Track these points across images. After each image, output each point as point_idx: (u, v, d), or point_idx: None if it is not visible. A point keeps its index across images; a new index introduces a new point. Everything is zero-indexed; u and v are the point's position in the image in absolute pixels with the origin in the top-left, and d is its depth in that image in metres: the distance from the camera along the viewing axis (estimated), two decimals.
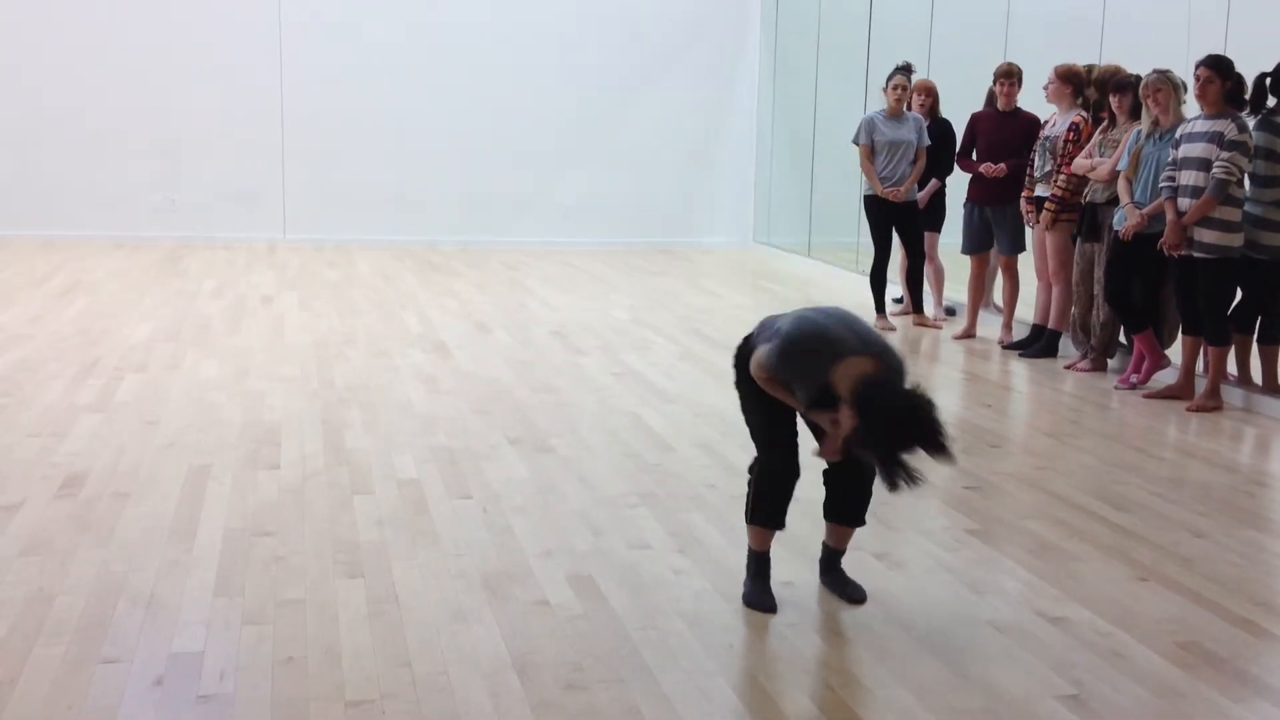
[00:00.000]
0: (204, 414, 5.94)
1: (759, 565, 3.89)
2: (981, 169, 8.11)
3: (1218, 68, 6.26)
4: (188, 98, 12.26)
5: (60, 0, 11.97)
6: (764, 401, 3.74)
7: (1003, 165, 8.03)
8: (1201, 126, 6.35)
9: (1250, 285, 6.44)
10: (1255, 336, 6.51)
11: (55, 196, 12.19)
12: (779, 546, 4.18)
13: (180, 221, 12.43)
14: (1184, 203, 6.38)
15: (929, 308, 9.11)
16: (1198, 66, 6.31)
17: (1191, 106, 6.78)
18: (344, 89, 12.49)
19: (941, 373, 7.66)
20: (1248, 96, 6.30)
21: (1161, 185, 6.49)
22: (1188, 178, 6.37)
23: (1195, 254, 6.38)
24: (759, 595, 3.84)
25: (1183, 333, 6.66)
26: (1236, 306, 6.51)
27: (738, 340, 3.87)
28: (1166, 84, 6.64)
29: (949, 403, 6.96)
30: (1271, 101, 6.30)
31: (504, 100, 12.81)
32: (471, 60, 12.71)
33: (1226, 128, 6.21)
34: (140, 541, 4.24)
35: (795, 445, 3.79)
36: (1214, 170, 6.22)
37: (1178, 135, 6.48)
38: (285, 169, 12.58)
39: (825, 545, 4.00)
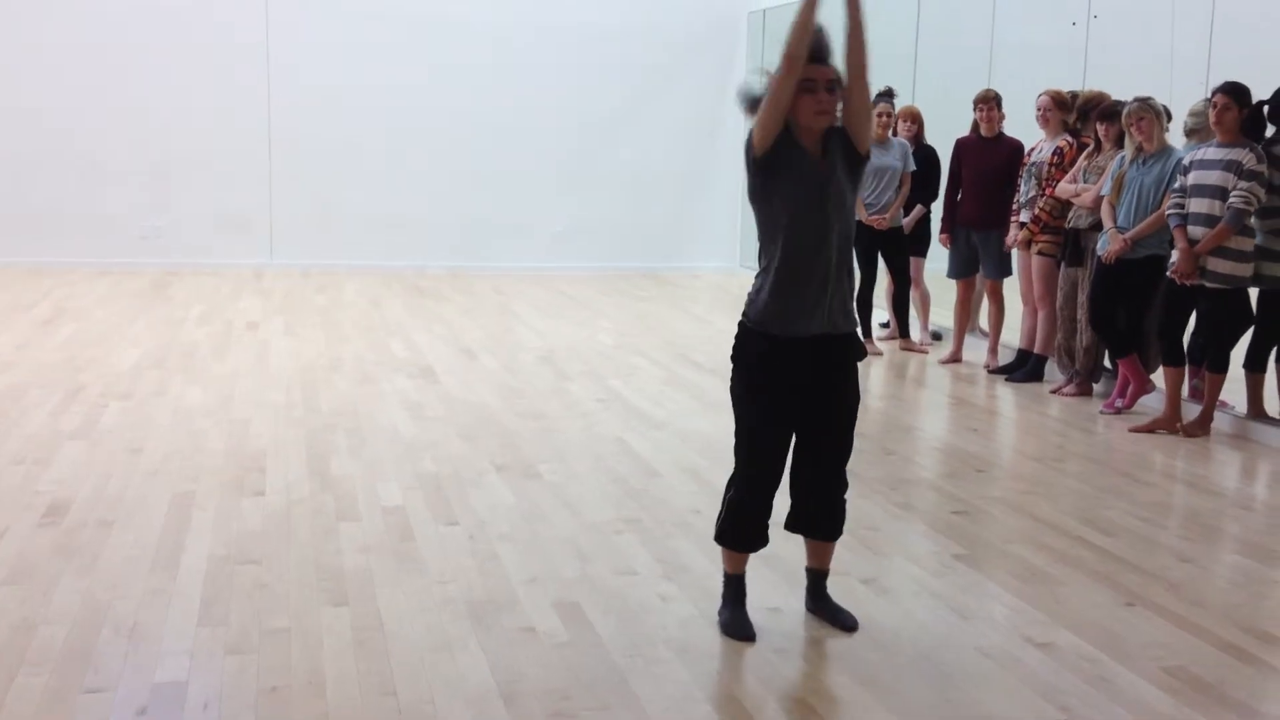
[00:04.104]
0: (189, 441, 5.92)
1: (735, 590, 3.88)
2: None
3: (1235, 95, 6.15)
4: (175, 124, 12.25)
5: (46, 26, 11.97)
6: (758, 399, 3.70)
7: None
8: (1214, 154, 6.25)
9: (1257, 315, 6.40)
10: (1243, 362, 6.51)
11: (42, 223, 12.16)
12: (767, 571, 4.18)
13: (167, 248, 12.40)
14: (1195, 231, 6.29)
15: (915, 332, 9.13)
16: (1215, 93, 6.22)
17: (1174, 134, 6.83)
18: (331, 115, 12.49)
19: (928, 397, 7.67)
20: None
21: (1169, 212, 6.42)
22: (1199, 205, 6.27)
23: (1207, 284, 6.31)
24: (737, 624, 3.82)
25: (1164, 364, 6.64)
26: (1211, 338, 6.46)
27: (725, 365, 3.87)
28: (1149, 111, 6.67)
29: (936, 428, 6.98)
30: (1270, 130, 6.29)
31: (492, 126, 12.84)
32: (459, 87, 12.73)
33: (1244, 157, 6.12)
34: (124, 570, 4.22)
35: (779, 466, 3.75)
36: (1232, 199, 6.12)
37: (1186, 162, 6.40)
38: (273, 195, 12.58)
39: (808, 569, 3.99)
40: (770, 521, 3.83)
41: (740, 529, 3.82)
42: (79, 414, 6.38)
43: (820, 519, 3.88)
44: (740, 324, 3.76)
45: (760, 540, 3.84)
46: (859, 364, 3.80)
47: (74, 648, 3.59)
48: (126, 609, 3.88)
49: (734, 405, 3.79)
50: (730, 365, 3.81)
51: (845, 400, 3.78)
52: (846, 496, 3.89)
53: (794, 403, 3.71)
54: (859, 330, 3.85)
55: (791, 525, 3.92)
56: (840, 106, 3.64)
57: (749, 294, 3.74)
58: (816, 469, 3.80)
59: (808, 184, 3.62)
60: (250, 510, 4.89)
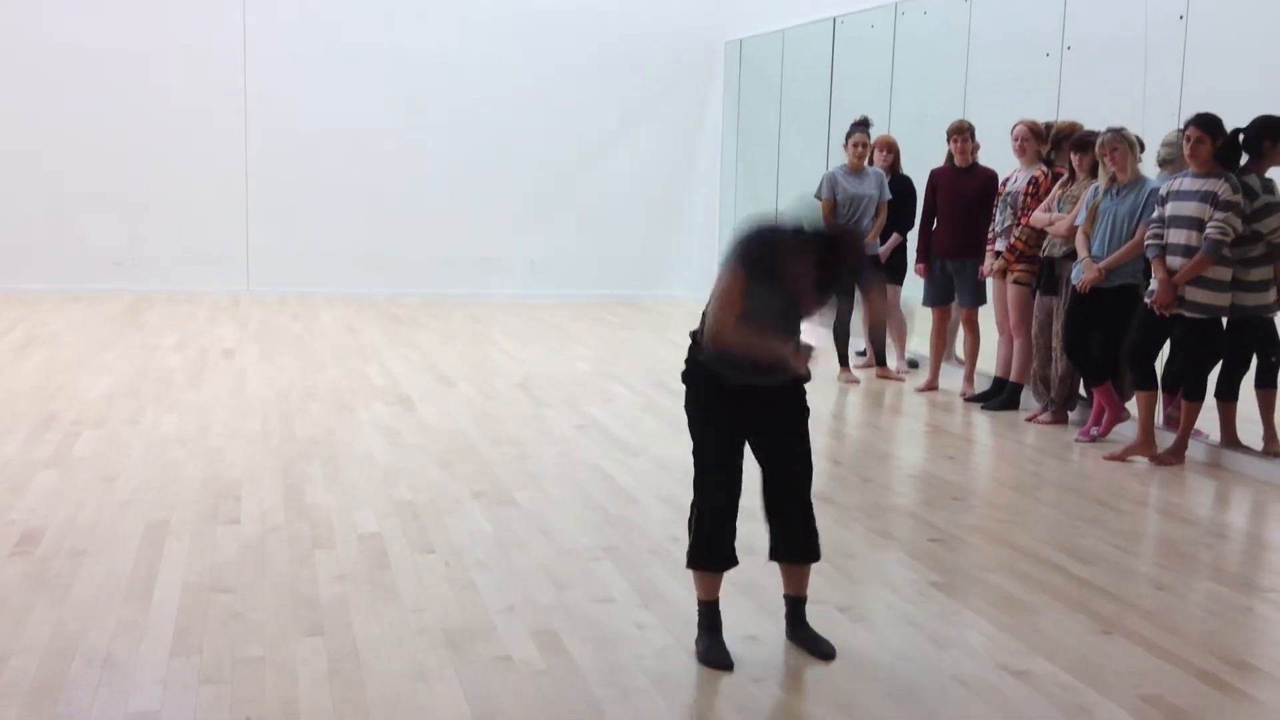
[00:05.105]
0: (163, 469, 5.88)
1: (710, 617, 3.87)
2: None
3: (1208, 127, 6.21)
4: (152, 150, 12.24)
5: (20, 54, 11.95)
6: (713, 420, 3.78)
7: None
8: (1190, 185, 6.29)
9: (1228, 344, 6.44)
10: (1214, 392, 6.54)
11: (15, 250, 12.11)
12: (743, 599, 4.17)
13: (142, 275, 12.36)
14: (1173, 261, 6.34)
15: (891, 360, 9.16)
16: (1187, 126, 6.28)
17: (1147, 164, 6.88)
18: (308, 144, 12.50)
19: (904, 425, 7.69)
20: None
21: (1148, 243, 6.47)
22: (1177, 236, 6.31)
23: (1185, 313, 6.35)
24: (714, 652, 3.81)
25: (1136, 388, 6.68)
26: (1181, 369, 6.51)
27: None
28: (1122, 142, 6.73)
29: (912, 455, 6.99)
30: (1244, 159, 6.33)
31: (469, 155, 12.87)
32: (436, 116, 12.76)
33: (1219, 187, 6.16)
34: (96, 600, 4.18)
35: (738, 477, 3.79)
36: (1208, 230, 6.17)
37: (1163, 193, 6.44)
38: (249, 223, 12.55)
39: (786, 597, 3.99)
40: (740, 544, 3.83)
41: (708, 546, 3.82)
42: (52, 442, 6.33)
43: (796, 542, 3.89)
44: (689, 350, 3.82)
45: (729, 558, 3.85)
46: (819, 388, 3.86)
47: (46, 679, 3.55)
48: (99, 639, 3.84)
49: (689, 422, 3.87)
50: (682, 380, 3.89)
51: (800, 425, 3.87)
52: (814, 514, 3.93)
53: (745, 418, 3.79)
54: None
55: (773, 554, 3.94)
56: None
57: (696, 329, 3.79)
58: (784, 492, 3.85)
59: (777, 303, 3.66)
60: (225, 539, 4.86)
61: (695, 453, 3.84)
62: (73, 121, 12.06)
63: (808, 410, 3.89)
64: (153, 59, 12.15)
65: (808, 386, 3.83)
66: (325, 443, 6.50)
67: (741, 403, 3.76)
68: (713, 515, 3.80)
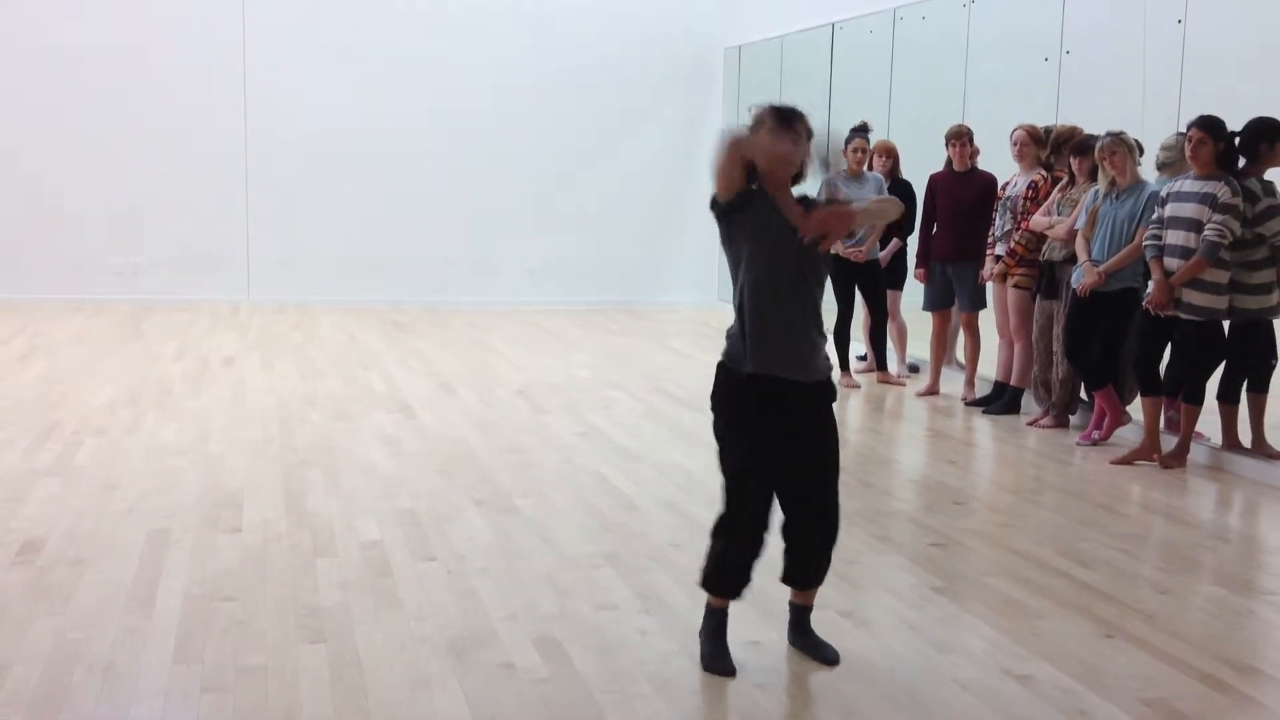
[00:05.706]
0: (164, 478, 5.88)
1: (716, 623, 3.86)
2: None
3: (1210, 129, 6.21)
4: (151, 159, 12.25)
5: (18, 60, 11.96)
6: (744, 443, 3.71)
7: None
8: (1191, 186, 6.30)
9: (1230, 347, 6.44)
10: (1216, 395, 6.54)
11: (14, 258, 12.12)
12: (746, 606, 4.16)
13: (142, 283, 12.37)
14: (1171, 262, 6.35)
15: (892, 365, 9.16)
16: (1190, 128, 6.28)
17: (1146, 168, 6.89)
18: (308, 151, 12.51)
19: (905, 430, 7.69)
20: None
21: (1147, 244, 6.48)
22: (1175, 237, 6.33)
23: (1182, 315, 6.35)
24: (717, 658, 3.80)
25: (1141, 394, 6.68)
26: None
27: (704, 398, 3.87)
28: (1121, 146, 6.74)
29: (913, 460, 6.99)
30: (1241, 162, 6.34)
31: (467, 161, 12.87)
32: (435, 122, 12.77)
33: (1219, 190, 6.17)
34: (98, 608, 4.18)
35: (768, 507, 3.74)
36: (1206, 232, 6.17)
37: (1163, 194, 6.46)
38: (249, 231, 12.56)
39: (792, 604, 3.99)
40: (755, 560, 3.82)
41: (727, 578, 3.80)
42: (53, 451, 6.33)
43: (799, 574, 3.88)
44: (719, 364, 3.77)
45: (745, 587, 3.83)
46: (834, 403, 3.81)
47: (48, 688, 3.55)
48: (101, 648, 3.84)
49: (719, 454, 3.78)
50: (710, 408, 3.80)
51: (825, 452, 3.78)
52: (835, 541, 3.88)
53: (775, 448, 3.70)
54: (833, 375, 3.85)
55: (788, 579, 3.92)
56: (804, 159, 3.68)
57: (727, 332, 3.76)
58: (803, 524, 3.80)
59: (773, 232, 3.62)
60: (226, 547, 4.86)
61: (726, 484, 3.74)
62: (73, 132, 12.05)
63: (837, 442, 3.81)
64: (151, 60, 12.14)
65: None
66: (326, 450, 6.50)
67: (774, 425, 3.67)
68: (737, 552, 3.75)
